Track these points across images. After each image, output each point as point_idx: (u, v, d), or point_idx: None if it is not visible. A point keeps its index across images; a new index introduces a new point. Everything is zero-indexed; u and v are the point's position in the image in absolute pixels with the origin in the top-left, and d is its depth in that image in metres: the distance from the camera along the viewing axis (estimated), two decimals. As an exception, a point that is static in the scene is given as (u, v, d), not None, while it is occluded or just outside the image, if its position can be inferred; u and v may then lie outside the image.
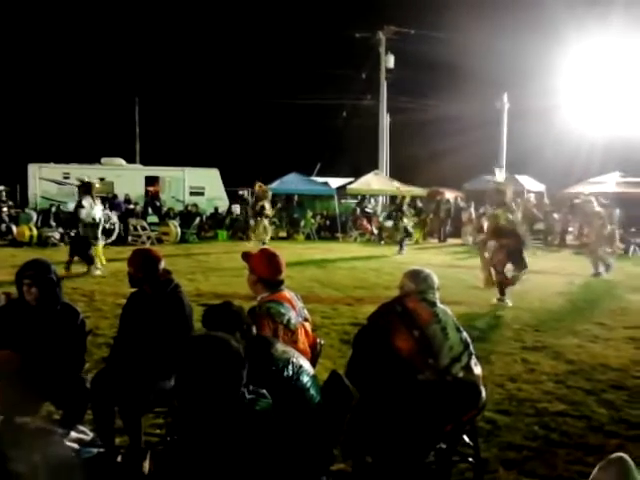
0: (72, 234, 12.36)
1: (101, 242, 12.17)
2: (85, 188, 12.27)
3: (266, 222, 18.19)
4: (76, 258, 11.83)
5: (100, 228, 12.06)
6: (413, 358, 3.20)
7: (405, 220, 18.15)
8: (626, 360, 6.18)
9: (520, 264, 9.17)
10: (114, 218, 12.15)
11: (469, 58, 30.82)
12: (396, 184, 20.78)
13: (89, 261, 11.66)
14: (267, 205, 18.36)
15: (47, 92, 37.61)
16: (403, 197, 18.99)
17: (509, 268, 9.20)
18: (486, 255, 9.51)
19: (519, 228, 9.34)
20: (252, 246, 16.23)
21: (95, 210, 11.94)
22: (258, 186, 18.85)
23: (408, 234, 18.45)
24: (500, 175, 10.37)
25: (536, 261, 15.11)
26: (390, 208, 19.77)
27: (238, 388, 2.21)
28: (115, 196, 22.71)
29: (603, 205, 13.13)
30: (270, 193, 19.00)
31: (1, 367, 3.31)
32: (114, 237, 12.01)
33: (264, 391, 2.35)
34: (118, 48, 43.50)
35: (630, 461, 2.31)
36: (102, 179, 13.56)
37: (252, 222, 18.63)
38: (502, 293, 9.16)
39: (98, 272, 11.62)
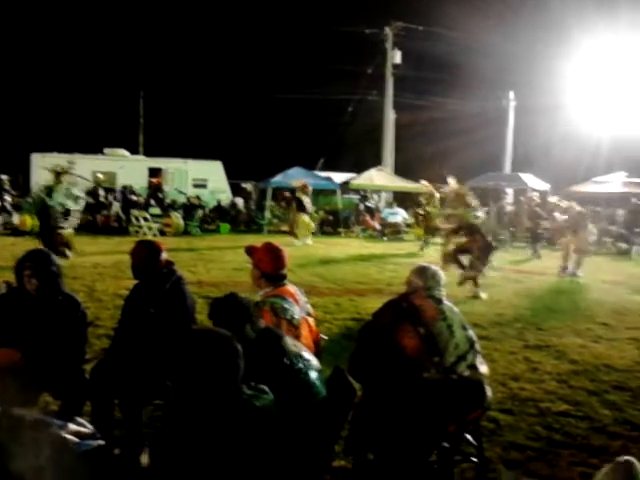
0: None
1: (65, 228, 11.90)
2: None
3: (306, 218, 18.09)
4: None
5: (56, 213, 11.77)
6: (418, 355, 3.16)
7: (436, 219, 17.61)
8: (629, 361, 6.14)
9: (487, 259, 9.80)
10: (69, 203, 12.01)
11: (476, 55, 30.69)
12: (424, 182, 20.11)
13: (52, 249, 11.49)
14: (308, 200, 18.32)
15: (51, 82, 37.57)
16: (431, 195, 18.23)
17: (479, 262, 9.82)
18: (450, 247, 10.46)
19: (486, 226, 10.21)
20: (300, 244, 16.72)
21: (55, 196, 11.83)
22: (301, 183, 18.71)
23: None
24: (452, 181, 11.03)
25: (539, 260, 15.13)
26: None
27: (235, 381, 2.16)
28: (125, 187, 22.81)
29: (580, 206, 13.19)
30: (311, 189, 18.86)
31: (2, 364, 3.28)
32: (69, 223, 11.90)
33: (264, 387, 2.31)
34: (123, 39, 43.44)
35: (637, 464, 2.26)
36: (66, 164, 13.32)
37: (291, 217, 18.45)
38: (477, 286, 9.62)
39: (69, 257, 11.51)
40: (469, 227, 9.98)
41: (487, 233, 9.92)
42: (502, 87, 30.68)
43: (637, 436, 4.25)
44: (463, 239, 10.16)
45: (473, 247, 9.79)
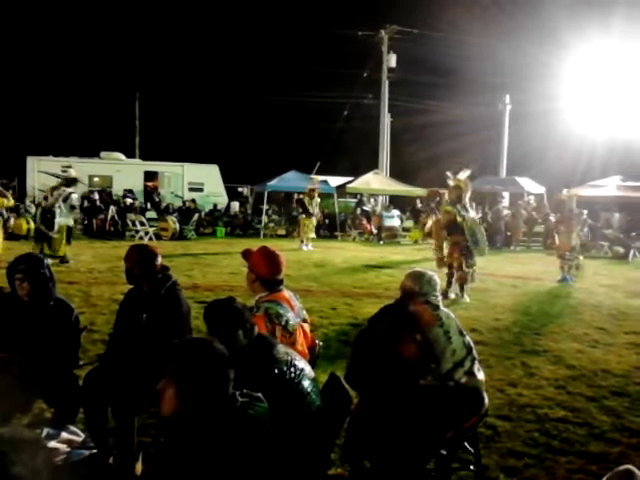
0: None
1: (53, 233, 12.18)
2: None
3: (309, 221, 18.00)
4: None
5: (47, 219, 12.23)
6: (415, 362, 3.12)
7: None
8: (627, 366, 6.10)
9: (472, 259, 9.71)
10: (56, 212, 12.45)
11: (471, 59, 30.82)
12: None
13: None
14: (315, 203, 18.28)
15: (48, 85, 37.50)
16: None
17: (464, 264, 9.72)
18: (445, 245, 10.12)
19: (472, 227, 9.81)
20: (312, 248, 17.09)
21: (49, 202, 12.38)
22: (310, 187, 18.60)
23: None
24: (464, 174, 10.49)
25: (535, 264, 15.11)
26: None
27: (225, 390, 2.13)
28: (130, 191, 22.87)
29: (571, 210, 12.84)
30: (316, 192, 18.66)
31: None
32: (54, 229, 12.25)
33: (259, 395, 2.27)
34: (119, 42, 43.42)
35: (637, 472, 2.23)
36: (67, 170, 14.04)
37: (301, 219, 18.27)
38: (462, 290, 9.59)
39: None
40: (454, 226, 9.78)
41: (470, 235, 9.68)
42: (497, 91, 30.76)
43: (636, 443, 4.21)
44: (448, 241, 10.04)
45: (455, 250, 9.68)
